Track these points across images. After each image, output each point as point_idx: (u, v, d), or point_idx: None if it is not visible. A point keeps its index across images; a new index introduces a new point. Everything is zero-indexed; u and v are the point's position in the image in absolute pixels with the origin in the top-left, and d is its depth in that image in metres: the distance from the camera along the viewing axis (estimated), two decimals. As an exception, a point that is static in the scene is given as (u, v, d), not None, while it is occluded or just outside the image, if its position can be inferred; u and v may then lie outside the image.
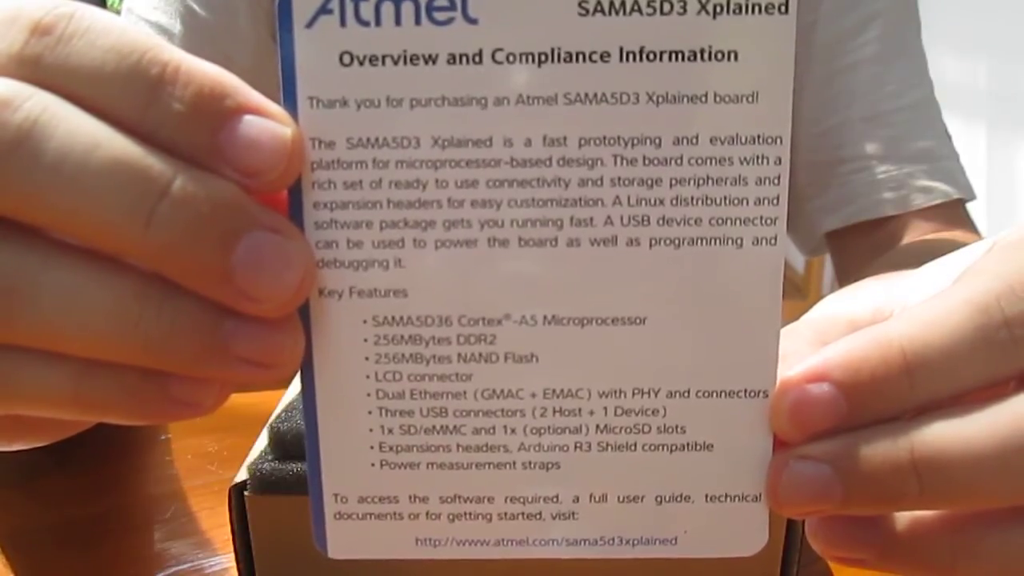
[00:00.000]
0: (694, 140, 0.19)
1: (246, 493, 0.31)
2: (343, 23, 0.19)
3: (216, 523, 0.37)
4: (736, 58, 0.19)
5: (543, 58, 0.19)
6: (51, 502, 0.39)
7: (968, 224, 0.61)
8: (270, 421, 0.32)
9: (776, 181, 0.20)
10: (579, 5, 0.19)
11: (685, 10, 0.19)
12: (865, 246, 0.61)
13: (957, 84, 1.50)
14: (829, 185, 0.62)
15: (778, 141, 0.19)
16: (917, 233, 0.59)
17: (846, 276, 0.64)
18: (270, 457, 0.31)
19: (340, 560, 0.32)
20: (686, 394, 0.21)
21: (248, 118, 0.17)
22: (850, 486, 0.19)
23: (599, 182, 0.19)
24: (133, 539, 0.36)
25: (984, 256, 0.21)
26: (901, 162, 0.60)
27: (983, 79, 1.44)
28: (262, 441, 0.33)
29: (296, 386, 0.38)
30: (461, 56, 0.19)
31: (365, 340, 0.20)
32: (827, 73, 0.61)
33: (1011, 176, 1.27)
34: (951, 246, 0.26)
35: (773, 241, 0.20)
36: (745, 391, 0.21)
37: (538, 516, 0.22)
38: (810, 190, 0.63)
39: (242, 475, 0.31)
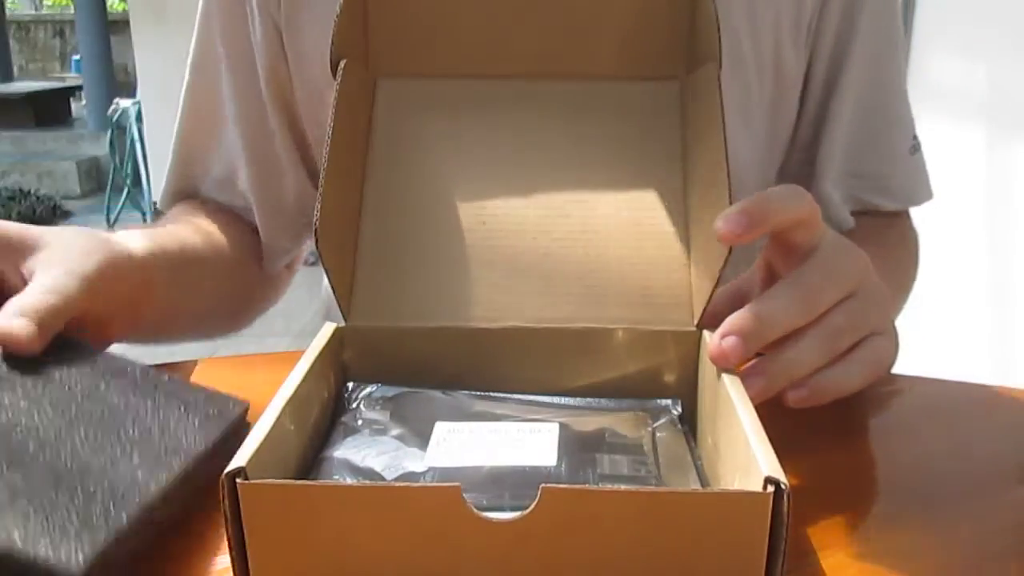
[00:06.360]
0: None
1: (239, 480, 0.31)
2: None
3: (216, 523, 0.38)
4: None
5: None
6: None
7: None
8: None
9: None
10: None
11: None
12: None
13: (955, 84, 1.49)
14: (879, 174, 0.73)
15: None
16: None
17: None
18: (263, 447, 0.32)
19: (332, 547, 0.32)
20: None
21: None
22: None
23: None
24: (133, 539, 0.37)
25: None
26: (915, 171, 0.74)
27: (981, 80, 1.43)
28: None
29: (292, 385, 0.38)
30: None
31: None
32: (875, 53, 0.69)
33: (1009, 177, 1.25)
34: None
35: None
36: None
37: None
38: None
39: (235, 463, 0.32)
